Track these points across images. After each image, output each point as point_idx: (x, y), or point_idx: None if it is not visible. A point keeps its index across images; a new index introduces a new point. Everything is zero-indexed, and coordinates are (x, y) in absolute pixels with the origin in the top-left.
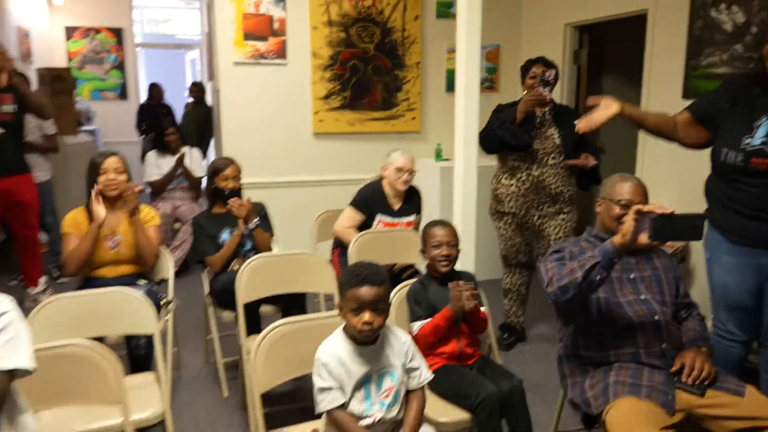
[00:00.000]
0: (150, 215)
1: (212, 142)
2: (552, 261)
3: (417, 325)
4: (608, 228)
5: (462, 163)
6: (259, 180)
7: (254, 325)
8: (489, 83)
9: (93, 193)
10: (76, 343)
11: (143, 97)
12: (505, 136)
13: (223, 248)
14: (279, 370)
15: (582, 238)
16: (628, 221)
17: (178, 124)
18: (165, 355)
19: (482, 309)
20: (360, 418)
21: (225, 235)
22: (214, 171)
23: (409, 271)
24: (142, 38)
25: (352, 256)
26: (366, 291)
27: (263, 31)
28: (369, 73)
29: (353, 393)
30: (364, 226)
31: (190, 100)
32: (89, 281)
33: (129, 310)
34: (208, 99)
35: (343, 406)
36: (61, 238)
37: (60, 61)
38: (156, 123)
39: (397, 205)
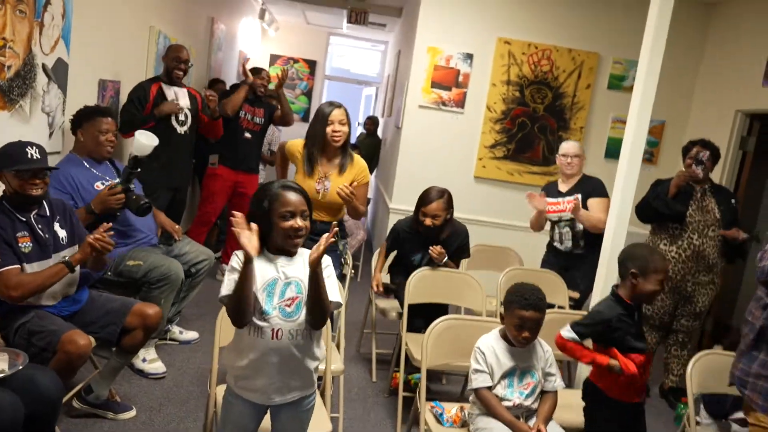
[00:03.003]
0: (363, 173)
1: (375, 171)
2: None
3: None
4: None
5: (613, 225)
6: None
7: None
8: (649, 155)
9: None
10: None
11: None
12: (659, 207)
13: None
14: (442, 352)
15: None
16: None
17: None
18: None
19: None
20: (501, 400)
21: (417, 257)
22: (420, 205)
23: None
24: (329, 71)
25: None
26: (531, 314)
27: (449, 82)
28: (535, 130)
29: (500, 380)
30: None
31: (363, 130)
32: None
33: None
34: (380, 132)
35: (490, 388)
36: None
37: None
38: None
39: (564, 188)
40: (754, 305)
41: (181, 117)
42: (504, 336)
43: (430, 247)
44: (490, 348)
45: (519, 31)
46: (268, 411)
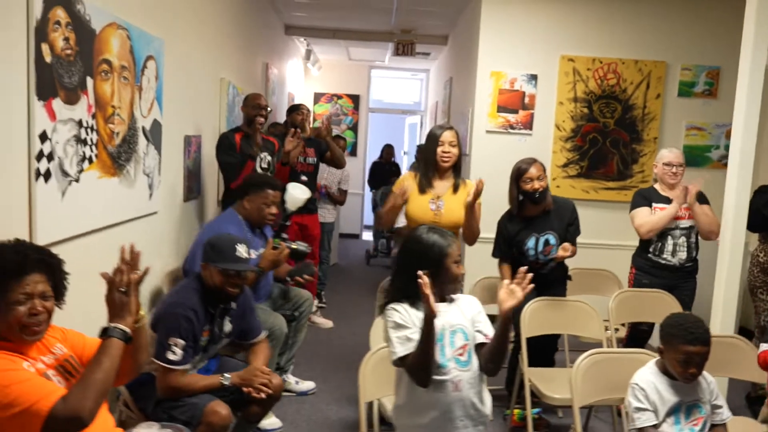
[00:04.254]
0: (479, 200)
1: None
2: None
3: None
4: None
5: (729, 236)
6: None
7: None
8: (725, 160)
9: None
10: None
11: (370, 155)
12: None
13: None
14: (600, 385)
15: None
16: None
17: None
18: None
19: None
20: None
21: (531, 243)
22: (517, 174)
23: None
24: (371, 103)
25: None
26: (698, 349)
27: (515, 104)
28: (607, 145)
29: (665, 418)
30: None
31: (415, 160)
32: None
33: None
34: None
35: (655, 426)
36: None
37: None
38: (385, 178)
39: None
40: None
41: (264, 164)
42: (663, 370)
43: (561, 248)
44: (651, 384)
45: (582, 47)
46: None
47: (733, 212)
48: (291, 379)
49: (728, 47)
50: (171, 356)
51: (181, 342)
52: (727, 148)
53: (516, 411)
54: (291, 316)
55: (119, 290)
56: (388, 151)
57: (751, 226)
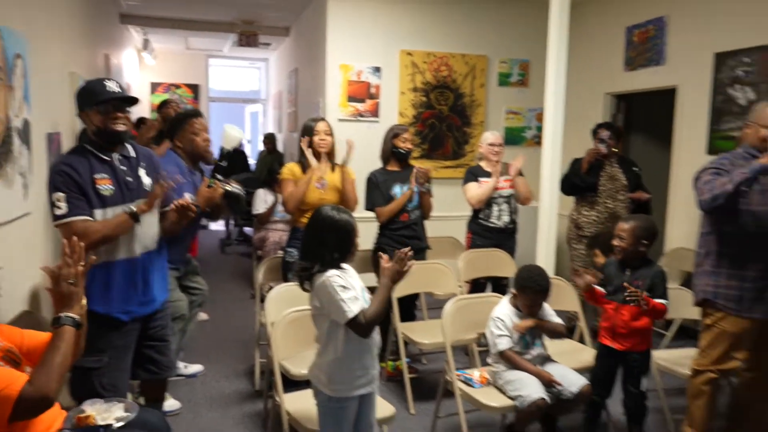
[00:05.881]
0: (350, 173)
1: None
2: (708, 175)
3: None
4: (754, 146)
5: (547, 200)
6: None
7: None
8: (537, 139)
9: (303, 146)
10: None
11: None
12: (576, 181)
13: (394, 203)
14: (463, 326)
15: (738, 154)
16: None
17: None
18: None
19: (661, 301)
20: (521, 355)
21: (396, 189)
22: (394, 134)
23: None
24: (211, 93)
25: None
26: (543, 295)
27: (362, 94)
28: (443, 129)
29: (517, 341)
30: None
31: (263, 148)
32: (298, 230)
33: None
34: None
35: (511, 348)
36: None
37: (144, 112)
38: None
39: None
40: (702, 235)
41: None
42: (515, 305)
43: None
44: (507, 316)
45: (419, 42)
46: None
47: (549, 182)
48: (180, 365)
49: (535, 43)
50: (57, 211)
51: (62, 194)
52: (538, 129)
53: (389, 363)
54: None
55: (68, 282)
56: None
57: (565, 191)
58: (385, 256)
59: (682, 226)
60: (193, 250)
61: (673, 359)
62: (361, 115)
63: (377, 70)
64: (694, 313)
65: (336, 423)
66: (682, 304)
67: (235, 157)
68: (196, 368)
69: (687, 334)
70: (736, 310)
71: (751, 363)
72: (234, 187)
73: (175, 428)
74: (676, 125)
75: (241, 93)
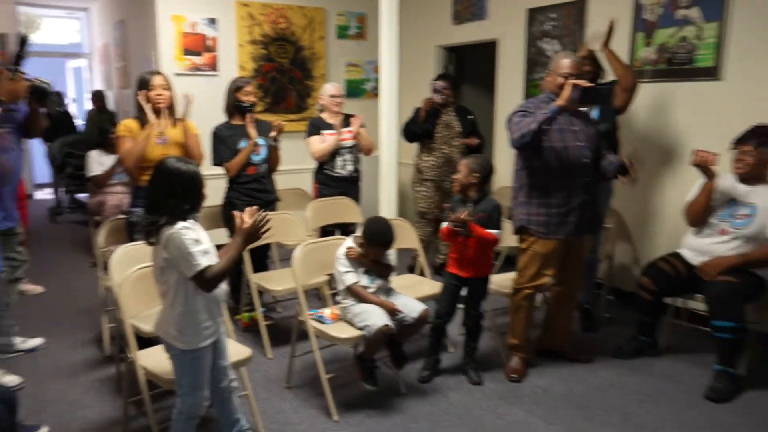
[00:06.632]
0: (192, 127)
1: None
2: (517, 117)
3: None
4: (553, 92)
5: (386, 148)
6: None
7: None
8: (377, 91)
9: (141, 101)
10: None
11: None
12: (414, 128)
13: (240, 154)
14: (312, 269)
15: (542, 98)
16: (567, 89)
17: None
18: None
19: (492, 231)
20: (366, 288)
21: (243, 143)
22: (237, 87)
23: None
24: None
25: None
26: (384, 248)
27: (198, 47)
28: (285, 83)
29: (360, 277)
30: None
31: (92, 107)
32: (140, 189)
33: None
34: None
35: (356, 283)
36: None
37: None
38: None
39: (336, 122)
40: (516, 171)
41: None
42: (359, 244)
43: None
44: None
45: None
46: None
47: (387, 131)
48: (16, 340)
49: None
50: None
51: None
52: (377, 81)
53: (244, 315)
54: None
55: None
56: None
57: (407, 138)
58: (239, 214)
59: (508, 166)
60: (23, 218)
61: (499, 282)
62: (199, 69)
63: (213, 21)
64: (515, 241)
65: (192, 373)
66: (506, 235)
67: (59, 118)
68: (35, 342)
69: (511, 261)
70: (545, 234)
71: (558, 278)
72: (41, 81)
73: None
74: (498, 75)
75: (61, 47)
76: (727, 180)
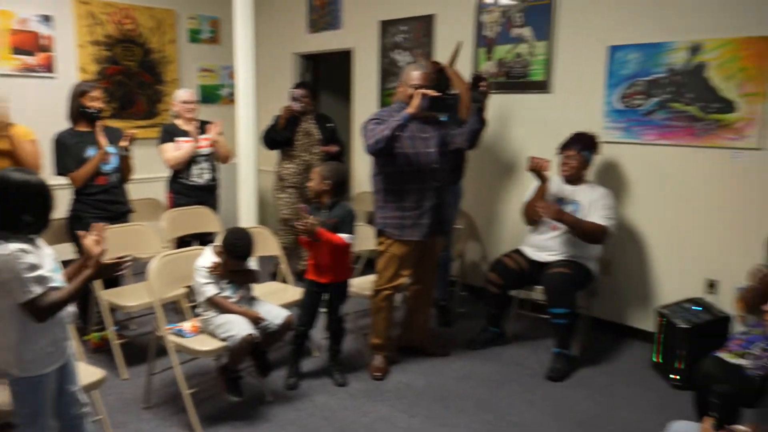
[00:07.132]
0: (24, 132)
1: None
2: (372, 125)
3: None
4: (404, 101)
5: (243, 156)
6: None
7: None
8: (233, 97)
9: None
10: None
11: None
12: (274, 136)
13: (87, 165)
14: (169, 282)
15: (394, 107)
16: (416, 99)
17: None
18: None
19: (342, 236)
20: (228, 299)
21: (91, 152)
22: (81, 92)
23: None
24: None
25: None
26: (243, 260)
27: (31, 46)
28: (133, 87)
29: (223, 287)
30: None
31: None
32: None
33: None
34: None
35: (218, 294)
36: None
37: None
38: None
39: (190, 128)
40: (372, 177)
41: None
42: (218, 253)
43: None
44: (210, 263)
45: None
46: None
47: (245, 138)
48: None
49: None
50: None
51: None
52: (232, 86)
53: (94, 335)
54: None
55: None
56: None
57: (266, 145)
58: (85, 235)
59: (365, 172)
60: None
61: (360, 285)
62: (33, 70)
63: (47, 18)
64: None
65: (33, 402)
66: (365, 240)
67: None
68: None
69: (373, 264)
70: (400, 236)
71: (414, 278)
72: None
73: None
74: (353, 83)
75: None
76: (554, 182)
